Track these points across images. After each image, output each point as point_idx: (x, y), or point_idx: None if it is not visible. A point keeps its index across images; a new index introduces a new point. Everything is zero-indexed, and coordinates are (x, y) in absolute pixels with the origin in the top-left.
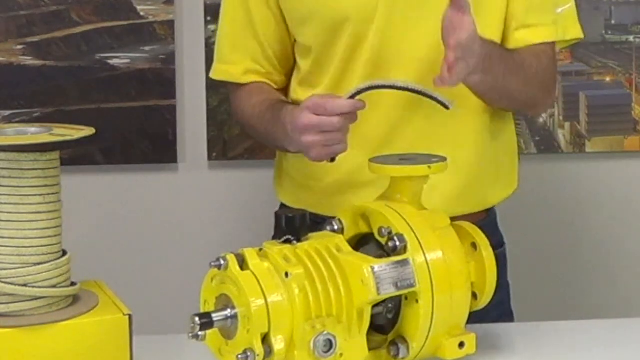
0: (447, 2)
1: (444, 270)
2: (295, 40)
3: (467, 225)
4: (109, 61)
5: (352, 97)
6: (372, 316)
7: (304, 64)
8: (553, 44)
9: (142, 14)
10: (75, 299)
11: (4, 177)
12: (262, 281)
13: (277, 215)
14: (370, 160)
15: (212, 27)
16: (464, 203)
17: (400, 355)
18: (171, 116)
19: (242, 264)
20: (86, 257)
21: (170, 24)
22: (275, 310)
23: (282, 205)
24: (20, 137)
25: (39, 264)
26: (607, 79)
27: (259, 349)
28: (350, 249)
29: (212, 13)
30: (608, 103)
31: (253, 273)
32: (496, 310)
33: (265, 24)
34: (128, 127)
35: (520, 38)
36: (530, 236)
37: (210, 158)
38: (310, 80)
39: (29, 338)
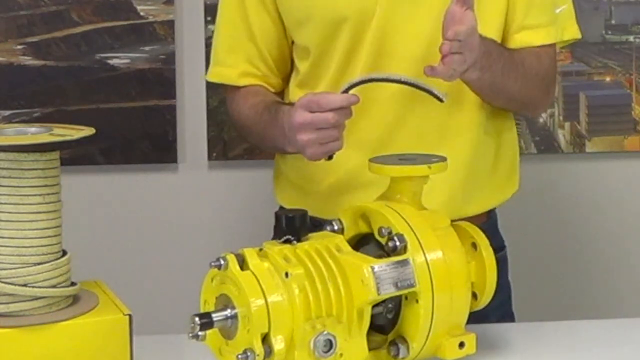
0: (446, 1)
1: (444, 270)
2: (292, 42)
3: (467, 225)
4: (109, 61)
5: (346, 91)
6: (372, 316)
7: (302, 65)
8: (554, 44)
9: (142, 14)
10: (75, 299)
11: (4, 177)
12: (262, 281)
13: (277, 215)
14: (370, 160)
15: (212, 27)
16: (464, 203)
17: (400, 355)
18: (171, 116)
19: (242, 264)
20: (86, 257)
21: (170, 24)
22: (275, 310)
23: (282, 206)
24: (20, 137)
25: (39, 264)
26: (607, 79)
27: (259, 349)
28: (350, 249)
29: (212, 13)
30: (608, 103)
31: (253, 273)
32: (497, 312)
33: (262, 26)
34: (128, 127)
35: (521, 39)
36: (530, 236)
37: (210, 158)
38: (309, 82)
39: (29, 338)
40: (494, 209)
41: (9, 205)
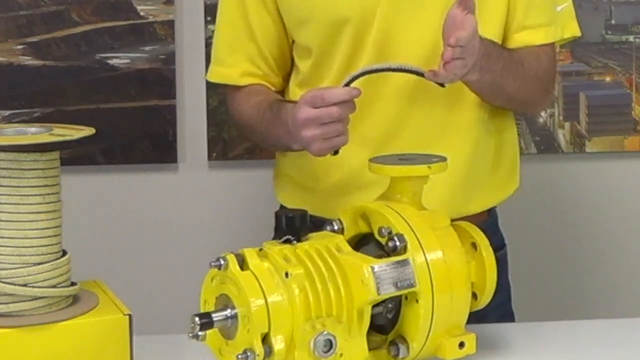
0: (448, 1)
1: (444, 270)
2: (293, 42)
3: (467, 225)
4: (109, 61)
5: (348, 84)
6: (372, 316)
7: (303, 65)
8: (553, 44)
9: (142, 14)
10: (75, 299)
11: (4, 177)
12: (262, 281)
13: (277, 215)
14: (370, 160)
15: (212, 27)
16: (463, 203)
17: (400, 355)
18: (171, 116)
19: (242, 264)
20: (86, 257)
21: (170, 24)
22: (275, 310)
23: (282, 205)
24: (20, 137)
25: (39, 264)
26: (607, 79)
27: (259, 349)
28: (350, 249)
29: (212, 13)
30: (608, 103)
31: (253, 273)
32: (497, 312)
33: (263, 25)
34: (128, 127)
35: (521, 39)
36: (530, 236)
37: (210, 158)
38: (310, 82)
39: (29, 338)
40: (495, 207)
41: (9, 205)
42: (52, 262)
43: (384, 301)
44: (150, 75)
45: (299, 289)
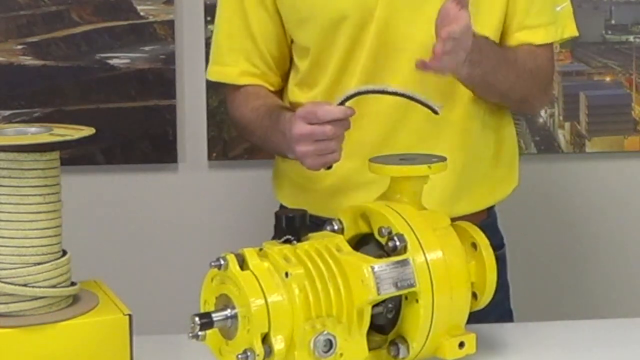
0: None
1: (444, 270)
2: (292, 41)
3: (467, 225)
4: (109, 61)
5: (342, 103)
6: (372, 316)
7: (302, 64)
8: (551, 43)
9: (142, 14)
10: (75, 299)
11: (4, 177)
12: (262, 281)
13: (277, 215)
14: (370, 160)
15: (212, 27)
16: (463, 201)
17: (400, 355)
18: (171, 116)
19: (242, 264)
20: (86, 257)
21: (170, 24)
22: (275, 310)
23: (282, 205)
24: (20, 137)
25: (39, 264)
26: (607, 79)
27: (259, 349)
28: (350, 249)
29: (212, 13)
30: (608, 103)
31: (253, 273)
32: (496, 311)
33: (262, 25)
34: (128, 127)
35: (521, 39)
36: (530, 236)
37: (210, 158)
38: (308, 81)
39: (29, 338)
40: (494, 206)
41: (9, 205)
42: (52, 262)
43: (384, 301)
44: (150, 75)
45: (299, 289)
